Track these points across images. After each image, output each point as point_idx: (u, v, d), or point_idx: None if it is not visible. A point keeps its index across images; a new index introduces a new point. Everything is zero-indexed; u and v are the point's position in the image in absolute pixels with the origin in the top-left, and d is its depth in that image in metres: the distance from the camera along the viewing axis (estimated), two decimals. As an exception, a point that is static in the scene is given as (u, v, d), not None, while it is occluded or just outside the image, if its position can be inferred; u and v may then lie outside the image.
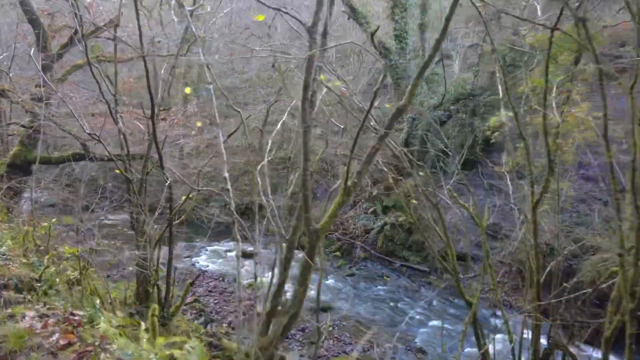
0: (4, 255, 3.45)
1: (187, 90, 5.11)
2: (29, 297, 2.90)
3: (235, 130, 4.87)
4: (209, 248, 15.35)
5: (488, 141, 12.78)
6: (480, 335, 4.90)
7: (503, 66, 4.63)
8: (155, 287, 4.91)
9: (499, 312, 10.04)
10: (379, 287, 11.67)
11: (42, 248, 4.63)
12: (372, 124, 3.91)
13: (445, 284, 11.79)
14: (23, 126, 7.38)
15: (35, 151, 9.72)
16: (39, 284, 3.20)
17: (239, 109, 3.41)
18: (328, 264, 13.37)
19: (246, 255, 14.74)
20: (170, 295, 4.94)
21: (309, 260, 2.97)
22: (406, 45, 17.59)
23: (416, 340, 8.58)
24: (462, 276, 12.72)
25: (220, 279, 11.93)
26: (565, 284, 4.61)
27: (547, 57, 4.00)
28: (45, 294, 3.20)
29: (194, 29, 2.78)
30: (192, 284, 5.10)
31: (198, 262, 13.54)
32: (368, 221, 14.88)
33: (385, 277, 12.29)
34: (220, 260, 14.19)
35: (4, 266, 3.15)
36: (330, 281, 12.21)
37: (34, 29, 9.01)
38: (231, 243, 16.54)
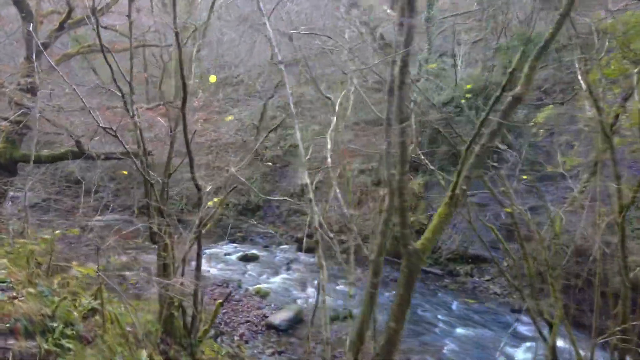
0: (4, 283, 2.68)
1: (213, 78, 4.38)
2: (44, 345, 2.17)
3: (273, 124, 4.14)
4: (207, 251, 14.53)
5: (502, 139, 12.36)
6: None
7: (584, 58, 4.06)
8: (180, 308, 4.17)
9: (524, 318, 9.59)
10: (393, 292, 11.09)
11: (44, 266, 3.84)
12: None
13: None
14: (10, 121, 6.49)
15: (22, 149, 8.78)
16: (54, 324, 2.46)
17: (329, 96, 2.72)
18: (334, 268, 12.77)
19: (248, 259, 14.05)
20: (199, 318, 4.21)
21: (406, 288, 2.31)
22: (407, 40, 17.07)
23: (445, 351, 8.03)
24: (477, 279, 12.34)
25: (225, 285, 11.16)
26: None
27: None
28: (63, 334, 2.47)
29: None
30: (222, 304, 4.38)
31: (198, 267, 12.72)
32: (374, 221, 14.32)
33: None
34: (221, 264, 13.39)
35: (7, 302, 2.40)
36: (339, 286, 11.58)
37: (20, 12, 8.05)
38: (229, 246, 15.75)
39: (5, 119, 6.98)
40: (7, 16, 10.96)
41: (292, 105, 2.35)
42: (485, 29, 15.43)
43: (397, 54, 2.60)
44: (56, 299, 2.69)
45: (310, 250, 14.51)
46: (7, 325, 2.21)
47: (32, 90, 6.83)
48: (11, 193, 9.88)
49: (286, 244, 15.85)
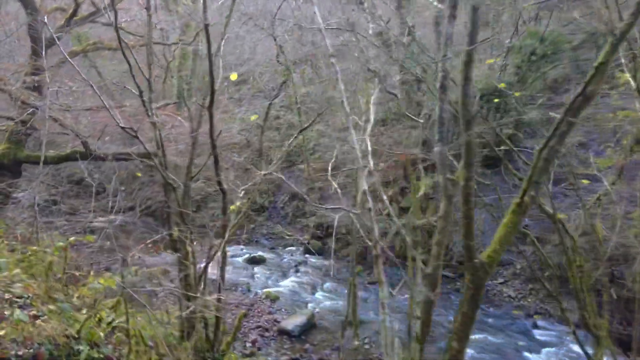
0: (21, 299, 2.44)
1: (234, 76, 4.13)
2: (73, 372, 1.93)
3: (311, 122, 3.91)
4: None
5: (512, 139, 12.17)
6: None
7: (632, 54, 3.82)
8: (202, 320, 3.93)
9: (540, 322, 9.37)
10: (406, 295, 10.84)
11: (58, 275, 3.59)
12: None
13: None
14: (17, 121, 6.23)
15: (26, 149, 8.51)
16: (80, 346, 2.21)
17: (395, 93, 2.44)
18: (344, 271, 12.53)
19: (255, 261, 13.79)
20: (221, 329, 3.97)
21: (471, 306, 2.07)
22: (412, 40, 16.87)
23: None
24: (490, 282, 12.10)
25: (233, 289, 10.90)
26: None
27: None
28: (89, 357, 2.22)
29: None
30: (245, 315, 4.13)
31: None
32: (384, 223, 14.08)
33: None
34: (228, 267, 13.10)
35: (29, 323, 2.14)
36: (362, 293, 11.28)
37: (25, 9, 7.78)
38: (234, 247, 15.47)
39: (10, 118, 6.71)
40: (6, 14, 10.68)
41: (346, 104, 2.11)
42: (493, 28, 15.23)
43: (440, 48, 2.35)
44: (79, 315, 2.44)
45: (318, 253, 14.27)
46: (30, 350, 1.96)
47: (38, 88, 6.57)
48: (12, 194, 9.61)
49: (292, 245, 15.60)
